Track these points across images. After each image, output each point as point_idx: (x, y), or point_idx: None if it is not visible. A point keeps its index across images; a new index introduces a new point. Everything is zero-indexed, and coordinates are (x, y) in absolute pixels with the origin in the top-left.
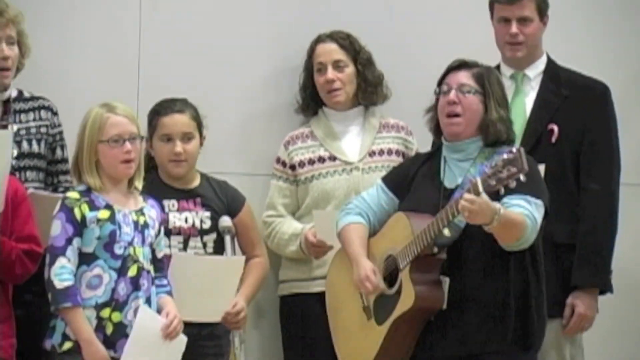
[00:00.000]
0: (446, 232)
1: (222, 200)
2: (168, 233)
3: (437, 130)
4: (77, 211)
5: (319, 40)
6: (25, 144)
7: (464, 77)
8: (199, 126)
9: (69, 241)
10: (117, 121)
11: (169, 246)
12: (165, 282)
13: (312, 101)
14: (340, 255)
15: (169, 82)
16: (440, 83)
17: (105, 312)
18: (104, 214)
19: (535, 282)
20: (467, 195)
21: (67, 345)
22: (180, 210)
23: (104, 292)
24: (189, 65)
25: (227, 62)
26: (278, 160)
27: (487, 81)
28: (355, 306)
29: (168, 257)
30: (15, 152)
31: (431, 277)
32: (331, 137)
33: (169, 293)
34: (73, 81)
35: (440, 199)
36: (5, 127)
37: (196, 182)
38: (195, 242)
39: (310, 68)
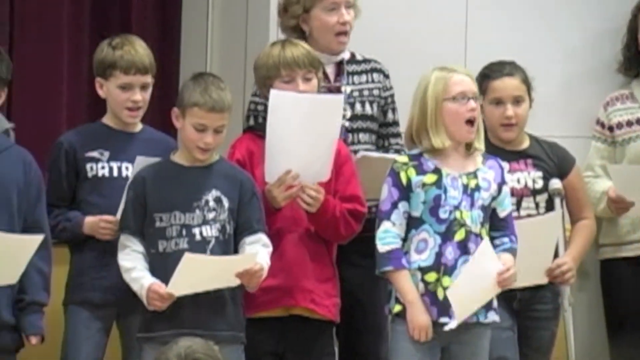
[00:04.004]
0: None
1: (553, 160)
2: None
3: None
4: (402, 175)
5: None
6: (358, 106)
7: None
8: (529, 89)
9: (394, 205)
10: (461, 79)
11: None
12: (505, 240)
13: (634, 62)
14: None
15: (495, 44)
16: None
17: (431, 276)
18: (430, 178)
19: None
20: None
21: (398, 308)
22: (511, 171)
23: (428, 256)
24: (514, 27)
25: (550, 24)
26: (597, 121)
27: None
28: None
29: None
30: (349, 114)
31: None
32: None
33: (510, 250)
34: (401, 44)
35: None
36: (338, 88)
37: (526, 143)
38: (528, 202)
39: (635, 28)
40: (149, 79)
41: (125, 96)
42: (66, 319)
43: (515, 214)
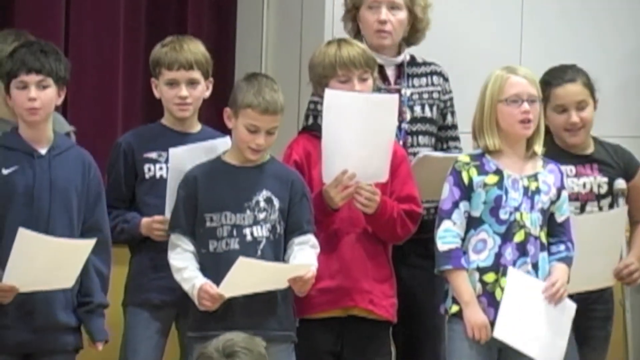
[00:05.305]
0: None
1: (619, 164)
2: None
3: None
4: (464, 175)
5: None
6: (417, 109)
7: None
8: (592, 91)
9: (455, 204)
10: (516, 81)
11: None
12: (562, 247)
13: None
14: None
15: (552, 45)
16: None
17: (489, 277)
18: (491, 178)
19: None
20: None
21: (455, 308)
22: (577, 175)
23: (487, 257)
24: (570, 28)
25: (606, 25)
26: None
27: None
28: None
29: None
30: (409, 116)
31: None
32: None
33: (565, 259)
34: (457, 47)
35: None
36: (398, 90)
37: (591, 147)
38: (592, 207)
39: None
40: (195, 75)
41: (173, 93)
42: (125, 320)
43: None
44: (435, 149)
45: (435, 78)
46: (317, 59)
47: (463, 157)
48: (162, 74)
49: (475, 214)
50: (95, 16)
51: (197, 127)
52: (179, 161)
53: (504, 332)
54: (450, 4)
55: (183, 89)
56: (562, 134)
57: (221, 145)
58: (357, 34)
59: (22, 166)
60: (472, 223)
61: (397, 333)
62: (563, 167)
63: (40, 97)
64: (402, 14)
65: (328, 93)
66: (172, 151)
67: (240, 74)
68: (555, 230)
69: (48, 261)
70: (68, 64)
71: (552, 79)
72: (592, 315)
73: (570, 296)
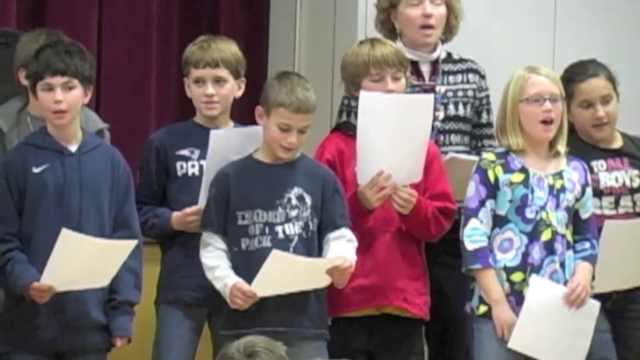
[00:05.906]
0: None
1: None
2: (599, 194)
3: None
4: (490, 173)
5: None
6: (451, 107)
7: None
8: (614, 85)
9: (482, 203)
10: (537, 81)
11: (600, 207)
12: (586, 245)
13: None
14: None
15: (584, 43)
16: None
17: (517, 276)
18: (517, 177)
19: None
20: None
21: (483, 309)
22: (609, 169)
23: (514, 256)
24: (603, 25)
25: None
26: None
27: None
28: None
29: (600, 217)
30: (442, 115)
31: None
32: None
33: (589, 257)
34: (489, 45)
35: None
36: (432, 87)
37: (619, 141)
38: (625, 201)
39: None
40: (221, 73)
41: (200, 91)
42: (158, 318)
43: (613, 212)
44: (470, 147)
45: (471, 75)
46: (350, 59)
47: (488, 155)
48: (190, 72)
49: (501, 212)
50: (128, 15)
51: (229, 125)
52: (219, 143)
53: (519, 343)
54: (484, 3)
55: (209, 87)
56: (589, 129)
57: (261, 132)
58: (389, 34)
59: (53, 164)
60: (497, 222)
61: (429, 331)
62: (594, 163)
63: (66, 99)
64: (443, 9)
65: (363, 95)
66: (214, 132)
67: (273, 73)
68: (580, 227)
69: (88, 261)
70: (93, 62)
71: (575, 75)
72: (630, 315)
73: (609, 296)
